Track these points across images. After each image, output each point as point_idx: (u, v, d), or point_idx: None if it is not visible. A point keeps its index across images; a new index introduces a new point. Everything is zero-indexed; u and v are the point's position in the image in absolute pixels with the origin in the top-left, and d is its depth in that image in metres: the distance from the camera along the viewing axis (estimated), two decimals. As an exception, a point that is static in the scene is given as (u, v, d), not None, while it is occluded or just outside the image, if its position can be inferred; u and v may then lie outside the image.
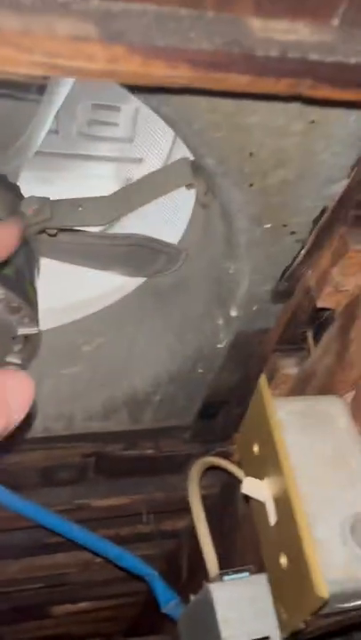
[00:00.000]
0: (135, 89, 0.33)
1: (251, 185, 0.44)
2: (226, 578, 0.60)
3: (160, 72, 0.26)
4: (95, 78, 0.26)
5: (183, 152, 0.72)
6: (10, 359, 0.57)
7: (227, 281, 0.56)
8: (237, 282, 0.55)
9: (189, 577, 1.02)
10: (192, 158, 0.48)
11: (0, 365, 0.57)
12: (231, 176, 0.43)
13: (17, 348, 0.55)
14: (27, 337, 0.55)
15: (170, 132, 0.75)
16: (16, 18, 0.23)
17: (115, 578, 1.25)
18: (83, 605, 1.47)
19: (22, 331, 0.52)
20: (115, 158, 0.76)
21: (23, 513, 0.73)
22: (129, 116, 0.71)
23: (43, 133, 0.60)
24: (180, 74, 0.26)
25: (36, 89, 0.49)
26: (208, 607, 0.59)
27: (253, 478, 0.53)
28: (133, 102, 0.71)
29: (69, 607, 1.47)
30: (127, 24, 0.25)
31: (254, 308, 0.58)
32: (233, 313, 0.59)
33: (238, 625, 0.58)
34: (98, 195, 0.55)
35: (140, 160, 0.76)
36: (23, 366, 0.59)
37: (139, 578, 1.21)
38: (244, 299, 0.57)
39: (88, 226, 0.52)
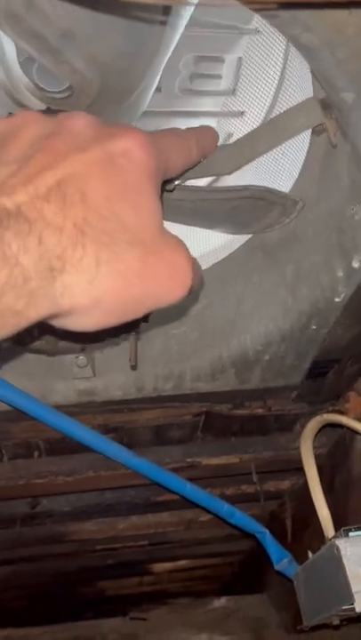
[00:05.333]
0: (289, 5, 0.31)
1: (389, 120, 0.41)
2: (351, 534, 0.59)
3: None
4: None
5: (287, 102, 0.70)
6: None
7: (350, 229, 0.54)
8: (363, 229, 0.53)
9: (294, 539, 1.02)
10: (319, 96, 0.46)
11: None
12: (370, 110, 0.40)
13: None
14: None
15: (273, 82, 0.72)
16: None
17: (213, 538, 1.28)
18: (181, 563, 1.51)
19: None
20: (216, 113, 0.74)
21: (139, 470, 0.75)
22: (232, 67, 0.69)
23: (152, 89, 0.59)
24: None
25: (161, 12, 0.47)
26: (334, 562, 0.59)
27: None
28: (237, 51, 0.69)
29: (169, 565, 1.52)
30: None
31: (378, 258, 0.56)
32: (355, 264, 0.56)
33: (367, 581, 0.57)
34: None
35: (241, 113, 0.73)
36: (145, 320, 0.60)
37: (237, 538, 1.23)
38: (369, 247, 0.54)
39: (214, 175, 0.50)
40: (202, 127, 0.50)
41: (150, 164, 0.36)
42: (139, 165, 0.35)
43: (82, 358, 0.73)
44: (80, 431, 0.73)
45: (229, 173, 0.50)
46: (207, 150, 0.48)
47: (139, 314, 0.35)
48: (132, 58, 0.50)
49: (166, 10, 0.44)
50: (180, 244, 0.37)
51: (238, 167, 0.49)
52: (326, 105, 0.44)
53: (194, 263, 0.37)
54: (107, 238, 0.32)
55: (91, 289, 0.31)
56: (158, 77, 0.58)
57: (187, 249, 0.37)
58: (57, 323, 0.34)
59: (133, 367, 0.66)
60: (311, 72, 0.46)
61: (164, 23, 0.43)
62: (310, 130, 0.52)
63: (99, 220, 0.32)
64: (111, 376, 0.75)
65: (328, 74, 0.38)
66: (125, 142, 0.35)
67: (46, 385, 0.75)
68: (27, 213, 0.29)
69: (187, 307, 0.75)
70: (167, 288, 0.35)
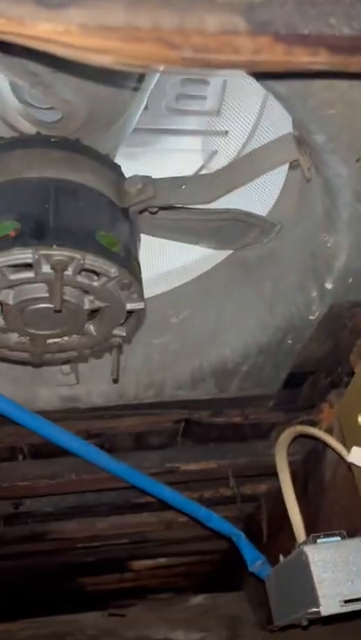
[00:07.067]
0: (263, 76, 0.34)
1: (357, 160, 0.44)
2: (319, 541, 0.63)
3: (302, 59, 0.27)
4: (238, 69, 0.27)
5: (270, 122, 0.72)
6: (115, 332, 0.60)
7: (323, 254, 0.57)
8: (335, 255, 0.55)
9: (269, 539, 1.05)
10: (295, 133, 0.48)
11: (106, 339, 0.61)
12: (340, 152, 0.43)
13: (122, 321, 0.58)
14: (131, 311, 0.57)
15: (257, 103, 0.75)
16: (170, 14, 0.25)
17: (192, 537, 1.31)
18: (161, 561, 1.54)
19: (130, 306, 0.54)
20: (201, 131, 0.76)
21: (119, 474, 0.77)
22: (217, 89, 0.71)
23: (139, 112, 0.61)
24: (321, 59, 0.27)
25: (136, 78, 0.50)
26: (302, 568, 0.62)
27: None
28: (222, 75, 0.71)
29: (148, 562, 1.55)
30: (271, 13, 0.26)
31: (350, 281, 0.58)
32: (328, 285, 0.59)
33: (333, 586, 0.60)
34: (196, 171, 0.56)
35: (225, 132, 0.76)
36: (127, 339, 0.62)
37: (216, 538, 1.26)
38: (341, 272, 0.57)
39: (191, 204, 0.53)
40: None
41: None
42: None
43: (65, 366, 0.75)
44: (63, 436, 0.75)
45: (209, 203, 0.52)
46: None
47: None
48: (120, 86, 0.52)
49: (142, 77, 0.46)
50: None
51: (217, 198, 0.52)
52: (301, 142, 0.47)
53: None
54: None
55: None
56: (146, 100, 0.60)
57: None
58: None
59: (115, 380, 0.68)
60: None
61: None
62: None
63: None
64: (94, 384, 0.77)
65: (301, 118, 0.41)
66: None
67: (31, 391, 0.77)
68: None
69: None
70: None
